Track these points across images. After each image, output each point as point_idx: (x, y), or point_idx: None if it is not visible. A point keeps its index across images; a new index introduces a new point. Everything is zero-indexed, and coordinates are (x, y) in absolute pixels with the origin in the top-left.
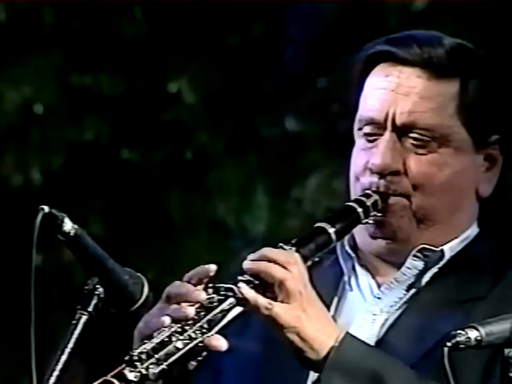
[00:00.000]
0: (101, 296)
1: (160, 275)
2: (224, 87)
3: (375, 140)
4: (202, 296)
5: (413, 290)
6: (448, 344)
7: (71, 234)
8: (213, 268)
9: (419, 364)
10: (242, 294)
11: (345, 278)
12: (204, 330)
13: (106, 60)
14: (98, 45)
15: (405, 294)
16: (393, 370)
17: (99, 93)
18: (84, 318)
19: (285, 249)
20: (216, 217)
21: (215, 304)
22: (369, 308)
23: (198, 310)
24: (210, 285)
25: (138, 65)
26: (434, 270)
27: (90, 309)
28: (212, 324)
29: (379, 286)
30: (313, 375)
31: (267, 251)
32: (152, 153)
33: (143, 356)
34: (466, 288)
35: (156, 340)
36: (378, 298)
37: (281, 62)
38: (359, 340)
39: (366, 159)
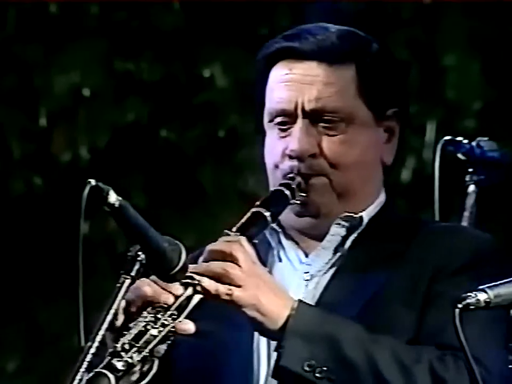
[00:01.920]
0: (143, 261)
1: (196, 242)
2: (253, 72)
3: (288, 128)
4: (170, 299)
5: (338, 254)
6: (459, 305)
7: (116, 205)
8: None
9: (356, 317)
10: (203, 286)
11: (274, 251)
12: (174, 317)
13: (147, 48)
14: (140, 34)
15: (331, 259)
16: (346, 330)
17: (140, 78)
18: (127, 281)
19: (229, 235)
20: (246, 189)
21: (181, 292)
22: (301, 275)
23: None
24: None
25: (175, 53)
26: (355, 234)
27: (132, 273)
28: (179, 311)
29: (306, 254)
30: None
31: (210, 246)
32: (188, 132)
33: (126, 346)
34: (386, 246)
35: (134, 331)
36: (308, 265)
37: None
38: (311, 305)
39: (282, 147)
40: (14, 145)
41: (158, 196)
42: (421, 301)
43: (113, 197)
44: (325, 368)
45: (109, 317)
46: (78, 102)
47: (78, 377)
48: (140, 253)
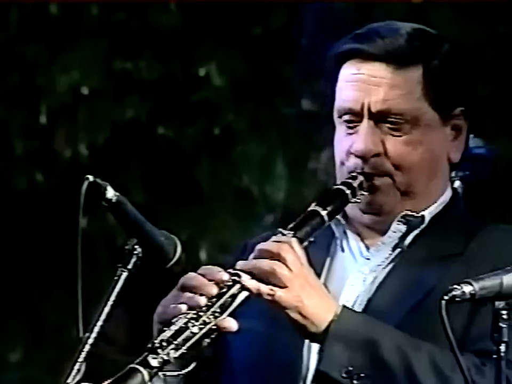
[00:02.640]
0: (140, 255)
1: (192, 237)
2: (248, 71)
3: (355, 126)
4: (214, 291)
5: (397, 251)
6: (446, 297)
7: (113, 200)
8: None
9: (407, 316)
10: (245, 285)
11: (337, 241)
12: (217, 315)
13: (145, 48)
14: (138, 35)
15: (391, 254)
16: (386, 336)
17: (138, 77)
18: (124, 274)
19: (284, 234)
20: (241, 186)
21: (224, 290)
22: (360, 268)
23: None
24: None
25: (172, 53)
26: (416, 231)
27: (130, 266)
28: (223, 308)
29: (367, 248)
30: (310, 346)
31: (260, 245)
32: (185, 129)
33: (164, 343)
34: (445, 246)
35: (174, 327)
36: (368, 259)
37: (298, 50)
38: (355, 311)
39: (348, 144)
40: (16, 142)
41: (155, 192)
42: (471, 304)
43: (110, 193)
44: (362, 375)
45: (107, 309)
46: (78, 100)
47: (76, 366)
48: (137, 246)
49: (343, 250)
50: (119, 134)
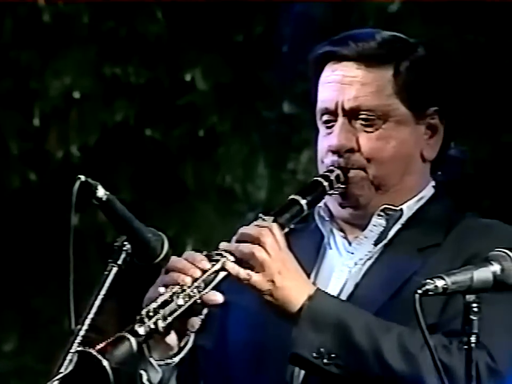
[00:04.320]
0: (129, 251)
1: (178, 233)
2: (231, 76)
3: (332, 126)
4: (197, 273)
5: (380, 244)
6: (419, 291)
7: (104, 199)
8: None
9: (388, 303)
10: (225, 267)
11: (325, 240)
12: (200, 289)
13: (133, 54)
14: (126, 42)
15: (373, 248)
16: (357, 319)
17: (127, 81)
18: (114, 269)
19: (264, 219)
20: (224, 185)
21: (208, 268)
22: (345, 262)
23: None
24: (204, 252)
25: (159, 59)
26: (397, 226)
27: (119, 262)
28: (206, 283)
29: (350, 243)
30: None
31: (242, 229)
32: (171, 131)
33: (151, 313)
34: (424, 239)
35: (160, 300)
36: (352, 253)
37: (279, 56)
38: (329, 294)
39: (326, 143)
40: (11, 143)
41: (143, 191)
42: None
43: (101, 192)
44: (333, 355)
45: (98, 302)
46: (70, 104)
47: (68, 356)
48: (126, 243)
49: (330, 247)
50: (109, 136)
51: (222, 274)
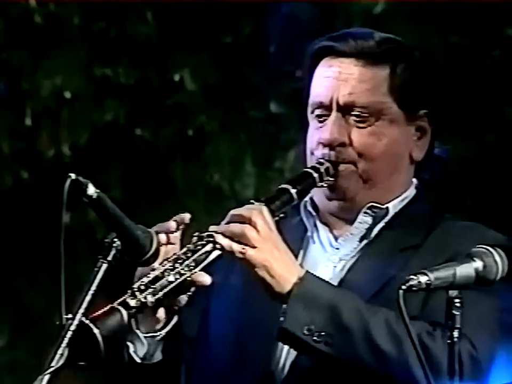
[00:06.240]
0: (118, 248)
1: None
2: (219, 77)
3: (324, 120)
4: (172, 224)
5: (364, 241)
6: (403, 287)
7: (94, 197)
8: (187, 216)
9: (371, 300)
10: (219, 243)
11: (309, 233)
12: (191, 268)
13: (123, 55)
14: (116, 43)
15: (358, 245)
16: (347, 301)
17: (117, 82)
18: (104, 266)
19: (254, 204)
20: (212, 183)
21: (199, 247)
22: (330, 257)
23: (185, 252)
24: (196, 233)
25: (148, 59)
26: (381, 224)
27: (109, 258)
28: (197, 263)
29: (336, 238)
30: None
31: (233, 211)
32: (160, 131)
33: (142, 287)
34: (405, 239)
35: (151, 275)
36: (337, 248)
37: (266, 57)
38: (317, 277)
39: (318, 136)
40: (3, 143)
41: (133, 189)
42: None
43: (91, 189)
44: (323, 333)
45: (88, 297)
46: (61, 104)
47: (59, 351)
48: (116, 239)
49: (314, 242)
50: (99, 135)
51: (214, 254)
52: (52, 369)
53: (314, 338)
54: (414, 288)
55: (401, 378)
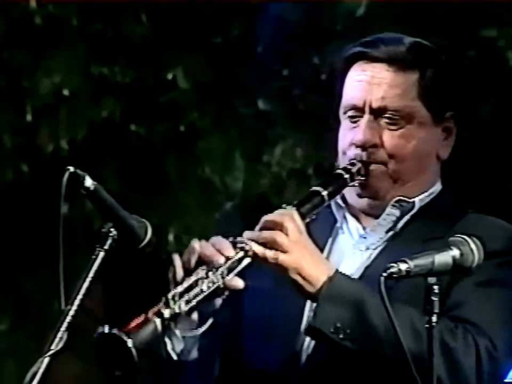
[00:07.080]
0: (115, 237)
1: (161, 222)
2: (210, 75)
3: (357, 121)
4: (221, 260)
5: (391, 232)
6: (384, 274)
7: (91, 189)
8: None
9: (394, 286)
10: (253, 250)
11: (338, 224)
12: (224, 276)
13: (119, 54)
14: (113, 43)
15: (385, 235)
16: (372, 298)
17: (113, 80)
18: (101, 254)
19: (286, 208)
20: (204, 176)
21: (231, 255)
22: (357, 245)
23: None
24: (230, 239)
25: (143, 59)
26: (408, 217)
27: (106, 247)
28: (230, 270)
29: (364, 229)
30: (310, 305)
31: (265, 217)
32: (154, 127)
33: (176, 297)
34: (430, 231)
35: (185, 284)
36: (364, 238)
37: (255, 57)
38: (346, 275)
39: (351, 137)
40: (5, 138)
41: (128, 182)
42: (449, 277)
43: (88, 182)
44: (348, 331)
45: (86, 284)
46: (59, 101)
47: (59, 335)
48: (112, 229)
49: (343, 232)
50: (96, 131)
51: (245, 262)
52: (51, 352)
53: (341, 336)
54: (394, 275)
55: (422, 375)
